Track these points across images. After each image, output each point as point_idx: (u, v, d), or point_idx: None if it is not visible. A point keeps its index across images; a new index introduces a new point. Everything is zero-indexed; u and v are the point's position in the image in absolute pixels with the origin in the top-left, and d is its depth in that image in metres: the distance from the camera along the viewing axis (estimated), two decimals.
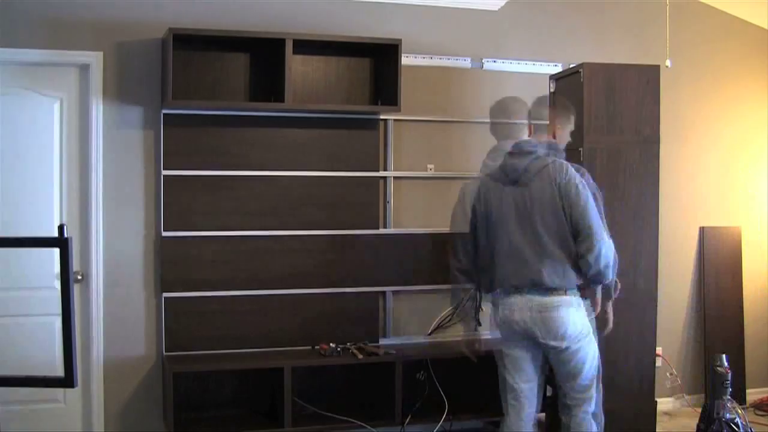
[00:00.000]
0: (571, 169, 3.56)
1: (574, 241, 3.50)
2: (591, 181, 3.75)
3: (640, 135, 4.31)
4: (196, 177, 4.41)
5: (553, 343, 3.52)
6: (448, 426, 4.66)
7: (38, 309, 4.26)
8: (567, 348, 3.52)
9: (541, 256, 3.50)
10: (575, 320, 3.51)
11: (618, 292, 3.85)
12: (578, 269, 3.51)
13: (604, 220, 3.62)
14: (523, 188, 3.58)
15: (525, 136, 3.77)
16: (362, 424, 4.40)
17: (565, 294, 3.50)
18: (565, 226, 3.50)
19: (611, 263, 3.52)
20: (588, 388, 3.61)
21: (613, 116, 4.30)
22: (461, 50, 4.91)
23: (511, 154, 3.67)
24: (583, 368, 3.57)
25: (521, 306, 3.56)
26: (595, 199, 3.59)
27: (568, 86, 4.49)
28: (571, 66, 4.61)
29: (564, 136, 3.94)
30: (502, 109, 3.89)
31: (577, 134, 4.28)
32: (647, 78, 4.35)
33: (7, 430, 4.14)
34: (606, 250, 3.47)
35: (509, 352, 3.69)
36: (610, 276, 3.56)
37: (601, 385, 3.74)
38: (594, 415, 3.66)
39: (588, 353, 3.57)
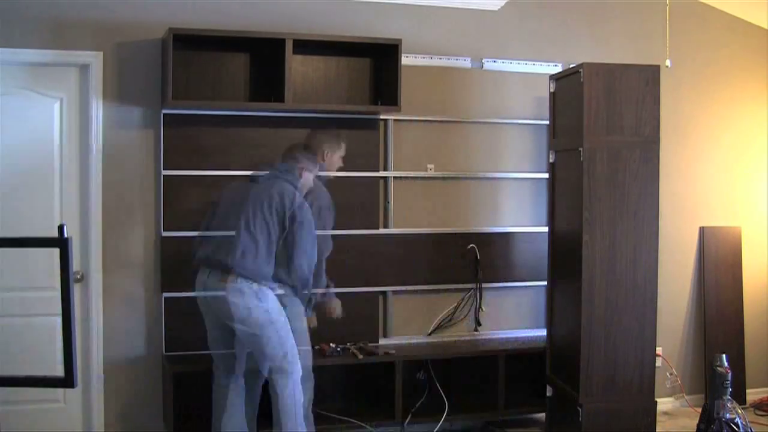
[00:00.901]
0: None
1: None
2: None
3: (640, 135, 4.31)
4: (196, 177, 4.41)
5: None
6: (448, 426, 4.66)
7: (38, 309, 4.26)
8: None
9: None
10: None
11: None
12: None
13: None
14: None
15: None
16: (362, 423, 4.41)
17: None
18: None
19: None
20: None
21: (613, 116, 4.29)
22: (461, 50, 4.91)
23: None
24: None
25: None
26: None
27: (568, 86, 4.48)
28: (571, 66, 4.61)
29: (333, 162, 4.34)
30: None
31: (577, 134, 4.28)
32: (647, 78, 4.34)
33: (7, 430, 4.14)
34: None
35: None
36: None
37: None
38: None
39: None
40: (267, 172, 4.05)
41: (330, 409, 4.46)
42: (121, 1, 4.34)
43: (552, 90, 4.65)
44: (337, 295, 4.63)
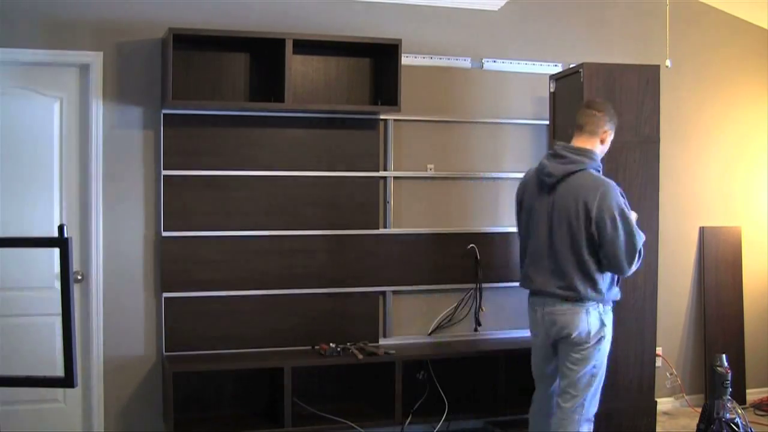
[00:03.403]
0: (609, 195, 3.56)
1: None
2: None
3: (640, 135, 4.31)
4: (196, 177, 4.41)
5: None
6: (448, 426, 4.66)
7: (38, 309, 4.26)
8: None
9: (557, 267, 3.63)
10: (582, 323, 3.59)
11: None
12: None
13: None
14: (551, 195, 3.63)
15: (575, 142, 3.72)
16: (362, 424, 4.40)
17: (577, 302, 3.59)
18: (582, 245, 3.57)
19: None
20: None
21: None
22: (461, 50, 4.91)
23: (549, 155, 3.73)
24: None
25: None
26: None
27: (568, 86, 4.49)
28: (571, 66, 4.61)
29: (606, 147, 3.79)
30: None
31: None
32: (647, 78, 4.35)
33: (7, 430, 4.14)
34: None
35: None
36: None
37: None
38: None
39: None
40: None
41: (330, 410, 4.46)
42: (121, 1, 4.34)
43: (552, 90, 4.65)
44: (337, 294, 4.64)
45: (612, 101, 4.27)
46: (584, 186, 3.55)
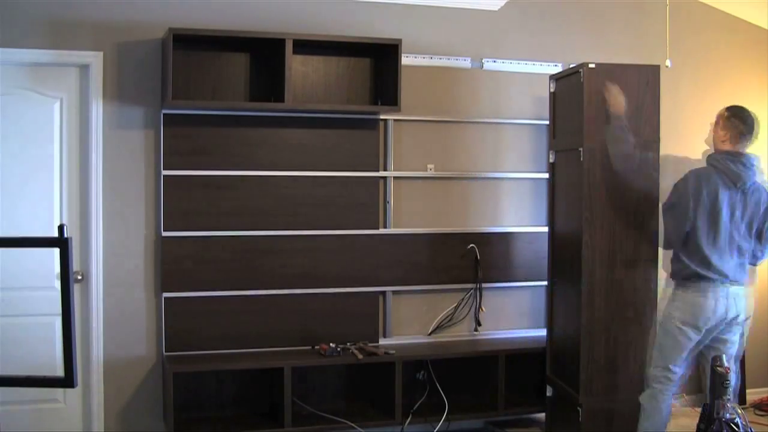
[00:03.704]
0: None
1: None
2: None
3: (640, 135, 4.31)
4: (196, 177, 4.41)
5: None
6: (448, 426, 4.66)
7: (38, 309, 4.26)
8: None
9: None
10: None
11: None
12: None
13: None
14: (741, 194, 3.95)
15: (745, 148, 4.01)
16: (362, 424, 4.40)
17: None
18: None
19: None
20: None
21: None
22: (461, 50, 4.91)
23: (733, 161, 3.95)
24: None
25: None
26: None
27: (568, 86, 4.48)
28: (571, 66, 4.61)
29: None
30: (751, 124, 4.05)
31: (577, 134, 4.28)
32: (647, 78, 4.34)
33: (7, 430, 4.14)
34: None
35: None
36: None
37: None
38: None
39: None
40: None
41: (330, 410, 4.46)
42: (121, 1, 4.34)
43: (552, 90, 4.65)
44: (337, 294, 4.64)
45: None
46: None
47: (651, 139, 4.33)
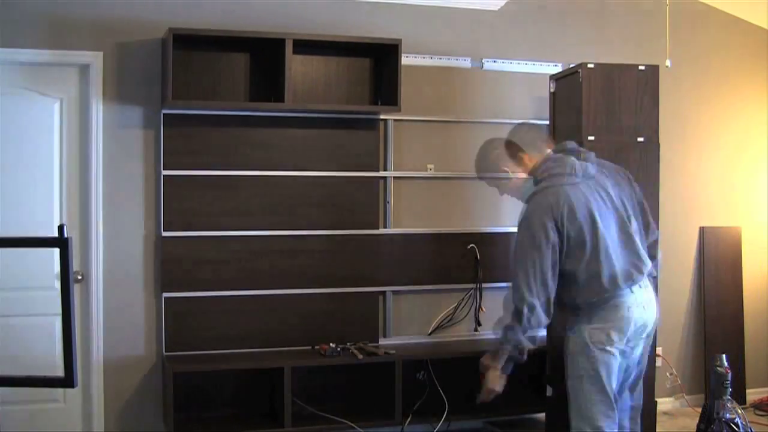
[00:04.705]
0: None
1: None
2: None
3: (640, 135, 4.31)
4: (196, 177, 4.41)
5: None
6: (448, 426, 4.66)
7: (38, 309, 4.26)
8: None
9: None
10: None
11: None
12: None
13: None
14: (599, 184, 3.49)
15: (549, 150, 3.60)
16: (362, 424, 4.40)
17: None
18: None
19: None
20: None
21: (612, 116, 4.29)
22: (461, 50, 4.91)
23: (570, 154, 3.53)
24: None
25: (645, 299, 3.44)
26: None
27: (568, 86, 4.48)
28: (571, 66, 4.61)
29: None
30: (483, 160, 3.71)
31: (577, 134, 4.28)
32: (647, 78, 4.35)
33: (7, 430, 4.14)
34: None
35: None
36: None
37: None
38: None
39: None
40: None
41: (330, 410, 4.46)
42: (121, 1, 4.34)
43: (552, 90, 4.65)
44: (337, 294, 4.64)
45: (611, 101, 4.28)
46: None
47: (651, 139, 4.33)
